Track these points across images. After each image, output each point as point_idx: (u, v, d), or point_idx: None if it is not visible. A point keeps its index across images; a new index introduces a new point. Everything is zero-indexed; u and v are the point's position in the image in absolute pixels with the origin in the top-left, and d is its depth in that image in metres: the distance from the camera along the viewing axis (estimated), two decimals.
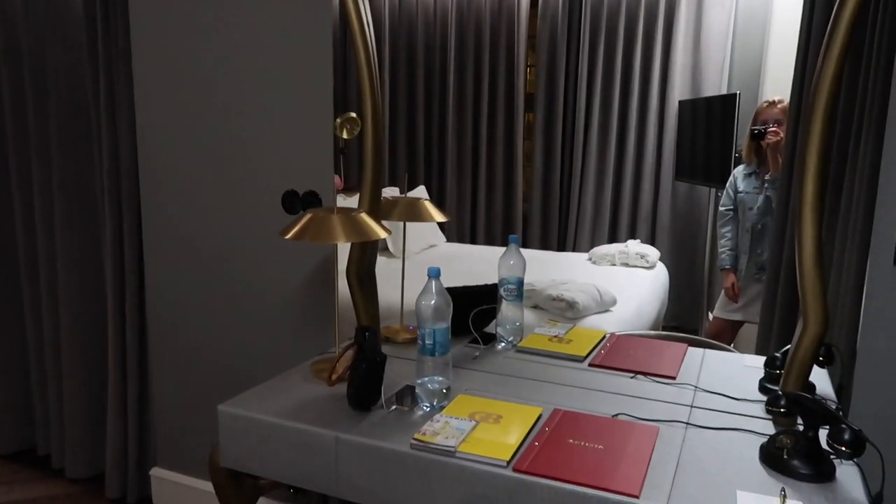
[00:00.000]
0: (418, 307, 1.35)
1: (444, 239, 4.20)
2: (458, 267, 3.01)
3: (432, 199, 3.55)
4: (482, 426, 1.26)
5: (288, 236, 1.45)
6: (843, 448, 1.07)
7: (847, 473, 1.14)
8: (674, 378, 1.56)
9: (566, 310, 2.52)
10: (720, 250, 2.63)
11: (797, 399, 1.19)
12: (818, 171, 1.24)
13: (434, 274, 1.37)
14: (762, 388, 1.49)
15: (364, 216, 1.52)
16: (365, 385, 1.35)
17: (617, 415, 1.35)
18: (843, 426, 1.09)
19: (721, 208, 2.65)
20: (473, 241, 4.37)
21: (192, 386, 2.14)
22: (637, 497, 1.05)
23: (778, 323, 2.56)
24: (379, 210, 1.67)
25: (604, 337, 1.84)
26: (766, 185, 2.49)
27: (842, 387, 1.51)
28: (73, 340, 2.28)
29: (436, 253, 3.80)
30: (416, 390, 1.38)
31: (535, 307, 2.60)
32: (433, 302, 1.34)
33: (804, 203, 1.24)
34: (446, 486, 1.17)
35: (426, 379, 1.37)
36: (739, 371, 1.62)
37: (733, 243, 2.56)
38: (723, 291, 2.67)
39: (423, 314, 1.35)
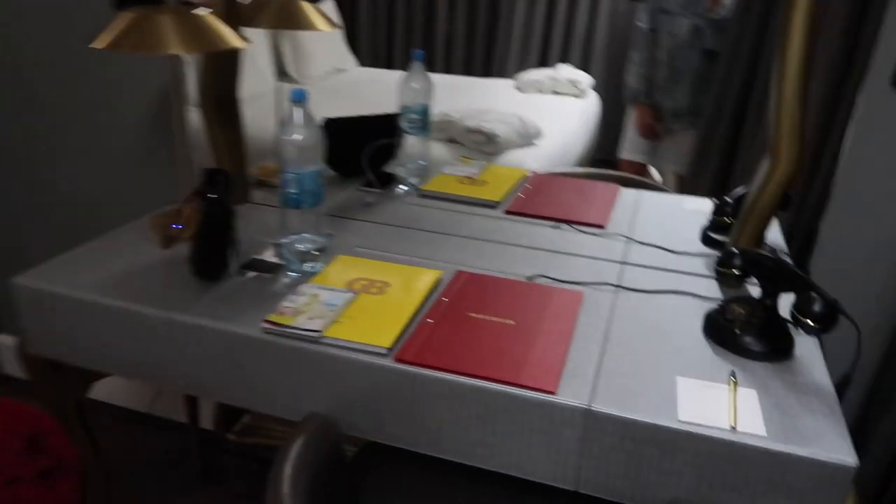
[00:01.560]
0: (279, 145, 1.01)
1: (356, 62, 3.71)
2: (370, 95, 2.61)
3: (344, 17, 3.04)
4: (362, 299, 0.98)
5: (100, 45, 1.03)
6: (812, 322, 0.85)
7: (803, 347, 0.93)
8: (603, 227, 1.31)
9: (485, 144, 2.20)
10: (629, 78, 2.27)
11: (757, 259, 0.95)
12: None
13: (298, 98, 1.01)
14: (705, 239, 1.25)
15: (208, 18, 1.11)
16: (209, 246, 1.03)
17: (534, 277, 1.09)
18: (814, 295, 0.85)
19: (638, 23, 2.27)
20: (390, 66, 3.90)
21: (27, 246, 1.76)
22: (553, 393, 0.81)
23: (713, 172, 2.32)
24: (236, 12, 1.25)
25: (524, 177, 1.55)
26: (700, 10, 2.13)
27: (791, 235, 1.29)
28: None
29: (345, 79, 3.33)
30: (281, 252, 1.07)
31: (451, 141, 2.27)
32: (296, 137, 1.00)
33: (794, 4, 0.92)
34: (311, 380, 0.90)
35: (293, 238, 1.06)
36: (679, 217, 1.38)
37: (647, 71, 2.20)
38: (633, 129, 2.34)
39: (285, 154, 1.01)
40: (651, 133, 2.25)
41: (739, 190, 1.20)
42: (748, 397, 0.82)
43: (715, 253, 1.21)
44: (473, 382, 0.83)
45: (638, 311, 1.01)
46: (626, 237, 1.26)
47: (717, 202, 1.21)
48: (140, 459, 1.62)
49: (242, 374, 0.94)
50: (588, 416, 0.80)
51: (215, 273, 1.04)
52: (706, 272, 1.14)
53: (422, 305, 0.98)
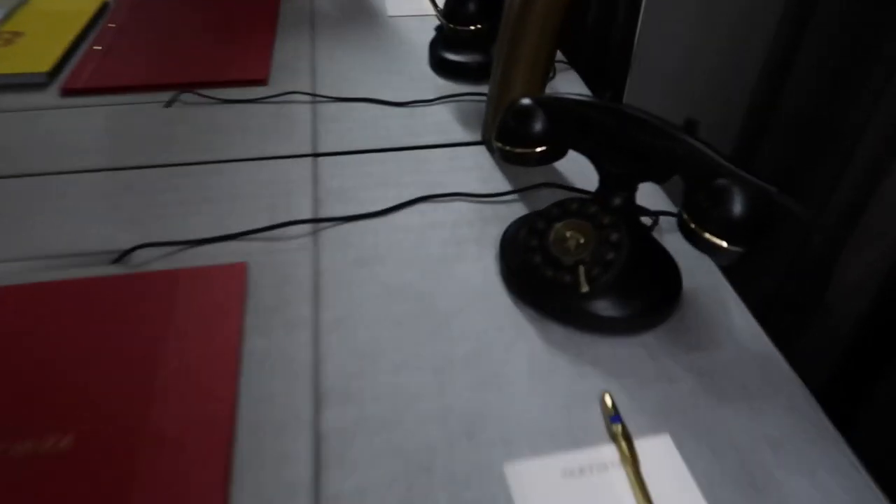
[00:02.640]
0: None
1: None
2: None
3: None
4: None
5: None
6: (728, 241, 0.38)
7: (689, 271, 0.48)
8: (263, 81, 0.70)
9: None
10: None
11: (588, 117, 0.44)
12: None
13: None
14: (439, 63, 0.72)
15: None
16: None
17: (129, 253, 0.48)
18: (725, 182, 0.38)
19: None
20: None
21: None
22: None
23: None
24: None
25: (100, 7, 0.85)
26: None
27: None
28: None
29: None
30: None
31: None
32: None
33: None
34: None
35: None
36: (383, 31, 0.82)
37: None
38: None
39: None
40: None
41: None
42: (669, 470, 0.35)
43: (464, 90, 0.69)
44: None
45: (368, 271, 0.47)
46: (310, 94, 0.68)
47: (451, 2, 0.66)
48: None
49: None
50: None
51: None
52: (466, 135, 0.63)
53: None
